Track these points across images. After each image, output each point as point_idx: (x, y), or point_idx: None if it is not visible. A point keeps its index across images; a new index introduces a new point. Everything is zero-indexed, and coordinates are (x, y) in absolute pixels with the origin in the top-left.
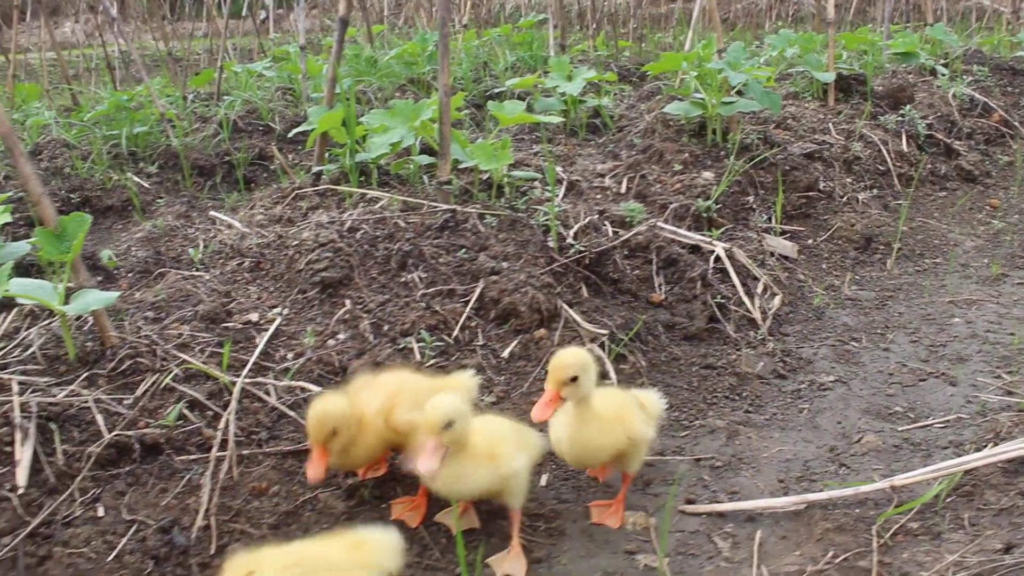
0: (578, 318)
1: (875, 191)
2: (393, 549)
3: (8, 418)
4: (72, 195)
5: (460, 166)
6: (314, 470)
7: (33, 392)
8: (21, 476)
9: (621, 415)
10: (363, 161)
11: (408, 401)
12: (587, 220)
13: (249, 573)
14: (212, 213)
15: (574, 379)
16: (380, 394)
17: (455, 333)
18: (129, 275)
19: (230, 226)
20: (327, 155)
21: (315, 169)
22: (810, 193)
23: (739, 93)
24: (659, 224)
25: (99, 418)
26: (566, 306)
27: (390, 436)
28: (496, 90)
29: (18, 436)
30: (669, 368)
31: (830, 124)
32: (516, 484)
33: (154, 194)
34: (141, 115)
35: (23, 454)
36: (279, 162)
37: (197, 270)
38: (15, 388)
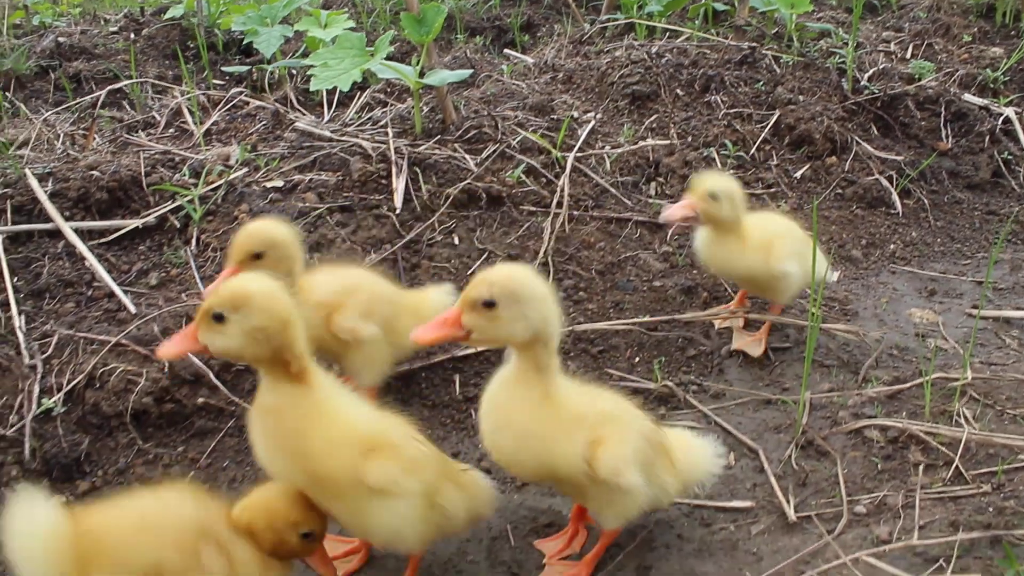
0: (870, 148)
1: None
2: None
3: (386, 156)
4: None
5: (755, 13)
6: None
7: (398, 143)
8: (397, 200)
9: (592, 421)
10: (649, 13)
11: (362, 305)
12: (881, 67)
13: None
14: (506, 51)
15: (490, 304)
16: (335, 281)
17: (752, 152)
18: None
19: (524, 63)
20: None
21: (603, 17)
22: None
23: None
24: (947, 85)
25: (467, 158)
26: (858, 139)
27: (321, 336)
28: None
29: (394, 170)
30: (951, 209)
31: None
32: (784, 285)
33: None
34: None
35: (398, 184)
36: (572, 8)
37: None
38: (390, 134)
